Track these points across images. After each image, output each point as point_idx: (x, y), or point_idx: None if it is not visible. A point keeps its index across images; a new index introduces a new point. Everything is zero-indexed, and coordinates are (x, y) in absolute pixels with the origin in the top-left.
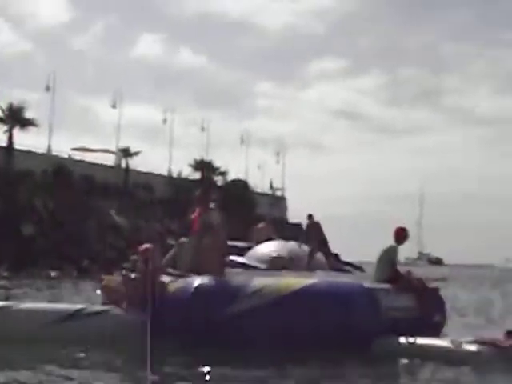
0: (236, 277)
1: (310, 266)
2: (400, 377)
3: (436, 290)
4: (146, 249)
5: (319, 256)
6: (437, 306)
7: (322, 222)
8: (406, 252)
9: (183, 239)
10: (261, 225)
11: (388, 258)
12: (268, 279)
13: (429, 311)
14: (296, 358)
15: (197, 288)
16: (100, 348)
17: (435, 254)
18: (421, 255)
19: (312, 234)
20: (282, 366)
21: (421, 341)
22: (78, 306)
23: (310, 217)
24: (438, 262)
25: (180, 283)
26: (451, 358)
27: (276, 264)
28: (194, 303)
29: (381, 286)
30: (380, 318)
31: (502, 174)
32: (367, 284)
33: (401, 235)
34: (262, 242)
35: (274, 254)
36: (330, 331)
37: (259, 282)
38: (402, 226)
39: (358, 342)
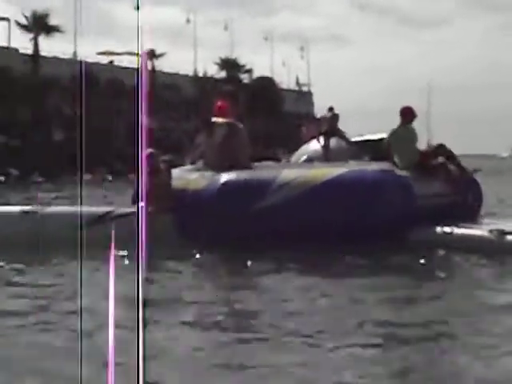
0: (264, 170)
1: (328, 158)
2: (436, 268)
3: (471, 174)
4: (150, 153)
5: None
6: (473, 192)
7: (345, 116)
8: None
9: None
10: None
11: (410, 139)
12: (296, 171)
13: (465, 197)
14: (329, 250)
15: (224, 184)
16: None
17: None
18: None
19: (327, 126)
20: (314, 260)
21: (458, 231)
22: (106, 209)
23: (330, 109)
24: None
25: (206, 180)
26: (491, 248)
27: None
28: (220, 200)
29: (412, 173)
30: (414, 206)
31: None
32: (399, 171)
33: (409, 114)
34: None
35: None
36: (362, 222)
37: (287, 174)
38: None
39: (392, 232)
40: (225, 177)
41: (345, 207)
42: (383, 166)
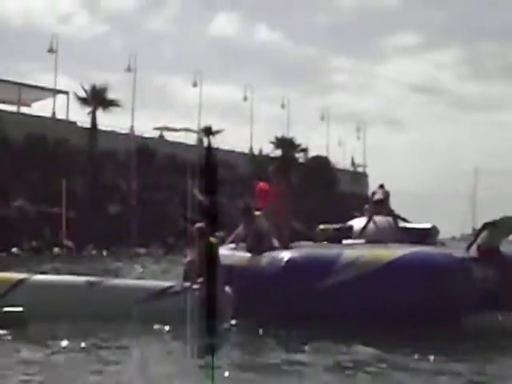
0: (326, 249)
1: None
2: (495, 353)
3: None
4: (199, 228)
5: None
6: None
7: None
8: (460, 228)
9: (257, 213)
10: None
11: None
12: (359, 251)
13: None
14: (392, 330)
15: (288, 261)
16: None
17: None
18: (475, 231)
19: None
20: (378, 340)
21: None
22: (168, 284)
23: (381, 187)
24: None
25: (269, 257)
26: None
27: None
28: (286, 277)
29: (471, 256)
30: (474, 290)
31: None
32: (457, 254)
33: None
34: None
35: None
36: (425, 304)
37: (351, 253)
38: None
39: (451, 316)
40: (288, 255)
41: (409, 290)
42: (441, 249)
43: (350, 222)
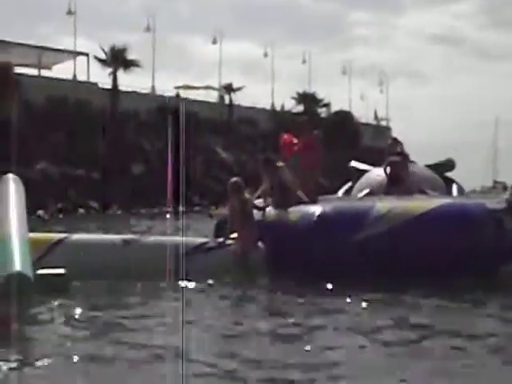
0: (357, 202)
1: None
2: None
3: None
4: (235, 182)
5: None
6: None
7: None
8: (480, 180)
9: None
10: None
11: None
12: (391, 203)
13: None
14: (425, 283)
15: (320, 216)
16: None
17: (509, 182)
18: (496, 184)
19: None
20: (409, 292)
21: None
22: (202, 240)
23: (393, 140)
24: None
25: (300, 211)
26: None
27: None
28: (318, 231)
29: (502, 207)
30: (507, 241)
31: None
32: (490, 205)
33: None
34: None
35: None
36: (459, 255)
37: (383, 206)
38: None
39: (488, 267)
40: (320, 208)
41: (443, 241)
42: (474, 199)
43: (364, 178)
